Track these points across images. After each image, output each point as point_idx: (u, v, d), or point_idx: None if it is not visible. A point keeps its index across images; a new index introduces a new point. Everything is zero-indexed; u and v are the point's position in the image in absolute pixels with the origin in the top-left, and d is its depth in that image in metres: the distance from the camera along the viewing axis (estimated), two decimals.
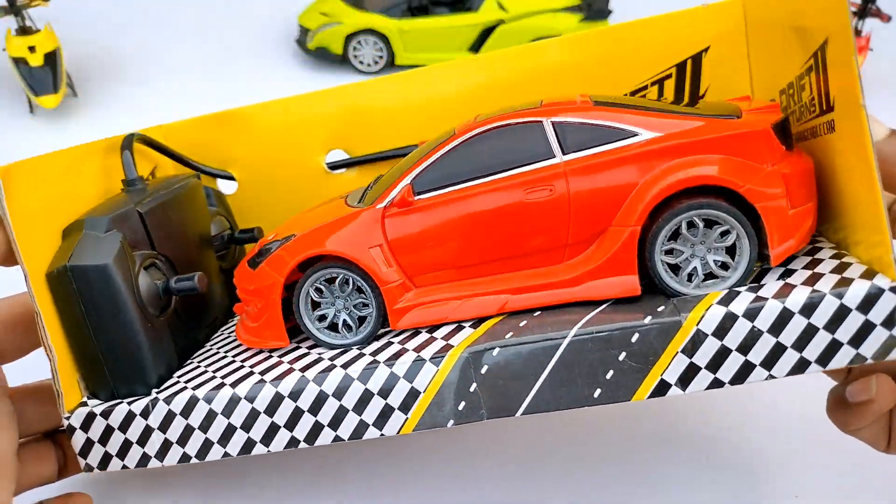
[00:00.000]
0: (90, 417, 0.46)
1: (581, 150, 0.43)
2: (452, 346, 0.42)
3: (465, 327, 0.44)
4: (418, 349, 0.43)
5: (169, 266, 0.51)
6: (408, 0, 0.85)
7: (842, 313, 0.37)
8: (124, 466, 0.46)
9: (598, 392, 0.42)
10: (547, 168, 0.43)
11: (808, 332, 0.38)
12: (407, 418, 0.43)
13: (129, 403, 0.45)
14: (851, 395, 0.43)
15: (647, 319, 0.40)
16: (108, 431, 0.46)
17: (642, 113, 0.42)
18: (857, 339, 0.38)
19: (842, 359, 0.38)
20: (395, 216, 0.45)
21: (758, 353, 0.39)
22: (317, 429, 0.44)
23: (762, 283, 0.41)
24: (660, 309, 0.40)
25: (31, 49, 0.80)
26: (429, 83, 0.58)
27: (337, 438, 0.43)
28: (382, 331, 0.47)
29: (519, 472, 0.64)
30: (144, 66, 0.92)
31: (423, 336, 0.45)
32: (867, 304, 0.37)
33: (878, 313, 0.37)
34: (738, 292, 0.40)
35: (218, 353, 0.50)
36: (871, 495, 0.63)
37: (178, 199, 0.53)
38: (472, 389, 0.43)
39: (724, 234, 0.40)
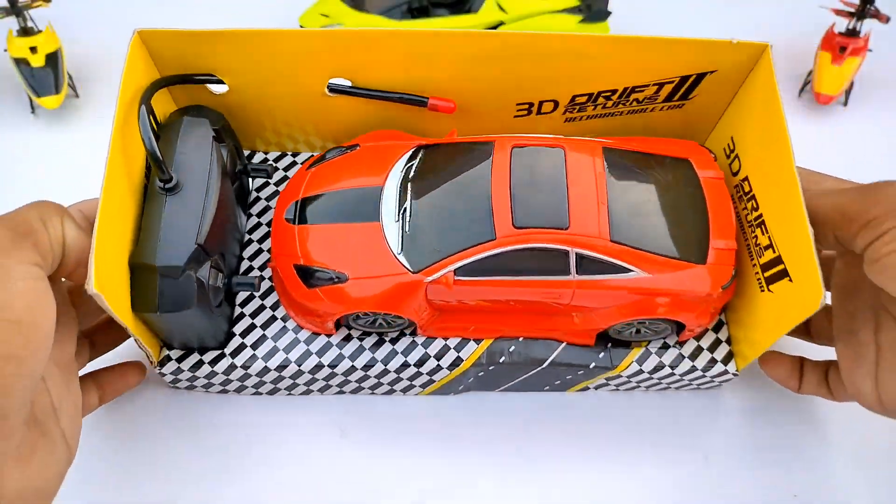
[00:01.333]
0: (178, 371, 0.61)
1: (590, 275, 0.58)
2: (462, 360, 0.63)
3: (469, 340, 0.64)
4: (438, 356, 0.63)
5: (221, 258, 0.59)
6: (408, 2, 0.85)
7: (699, 377, 0.65)
8: (207, 392, 0.66)
9: (547, 387, 0.68)
10: (563, 282, 0.58)
11: (677, 380, 0.66)
12: (423, 390, 0.67)
13: (212, 364, 0.61)
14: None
15: (592, 365, 0.63)
16: (194, 378, 0.63)
17: (642, 255, 0.57)
18: (694, 380, 0.66)
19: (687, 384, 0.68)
20: (435, 284, 0.58)
21: (645, 384, 0.67)
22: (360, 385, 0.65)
23: (667, 344, 0.64)
24: (601, 356, 0.63)
25: (33, 50, 0.80)
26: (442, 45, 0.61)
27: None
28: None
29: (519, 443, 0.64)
30: None
31: (440, 343, 0.63)
32: (716, 374, 0.64)
33: (716, 375, 0.65)
34: (650, 353, 0.64)
35: (264, 306, 0.64)
36: (870, 495, 0.63)
37: (220, 198, 0.57)
38: (470, 380, 0.65)
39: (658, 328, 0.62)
